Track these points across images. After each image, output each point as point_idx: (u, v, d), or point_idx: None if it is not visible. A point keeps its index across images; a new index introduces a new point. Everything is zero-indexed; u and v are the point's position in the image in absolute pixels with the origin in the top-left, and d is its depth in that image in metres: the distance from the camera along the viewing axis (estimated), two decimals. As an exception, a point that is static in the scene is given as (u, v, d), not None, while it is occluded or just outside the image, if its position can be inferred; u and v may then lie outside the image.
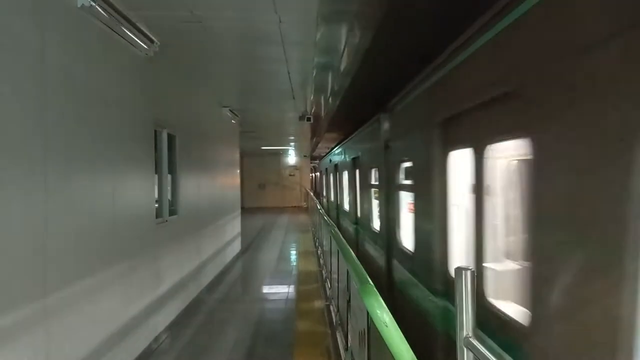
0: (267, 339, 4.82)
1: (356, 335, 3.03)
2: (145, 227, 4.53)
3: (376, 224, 6.22)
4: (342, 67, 5.35)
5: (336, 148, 8.02)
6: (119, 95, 3.92)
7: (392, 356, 1.69)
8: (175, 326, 5.18)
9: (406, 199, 4.73)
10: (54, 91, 2.88)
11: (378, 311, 2.09)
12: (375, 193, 6.41)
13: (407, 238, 4.48)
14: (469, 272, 1.48)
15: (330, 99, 7.61)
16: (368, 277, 2.66)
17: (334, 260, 5.20)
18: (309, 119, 9.02)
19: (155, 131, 4.90)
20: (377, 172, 6.06)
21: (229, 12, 3.94)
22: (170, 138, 5.49)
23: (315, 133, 13.71)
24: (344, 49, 4.77)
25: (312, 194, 20.30)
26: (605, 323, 1.51)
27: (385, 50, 4.33)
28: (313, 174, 30.70)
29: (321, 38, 4.55)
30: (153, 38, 4.13)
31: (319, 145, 16.60)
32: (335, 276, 5.14)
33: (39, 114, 2.73)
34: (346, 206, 9.64)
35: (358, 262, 3.14)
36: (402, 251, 4.53)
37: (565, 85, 1.74)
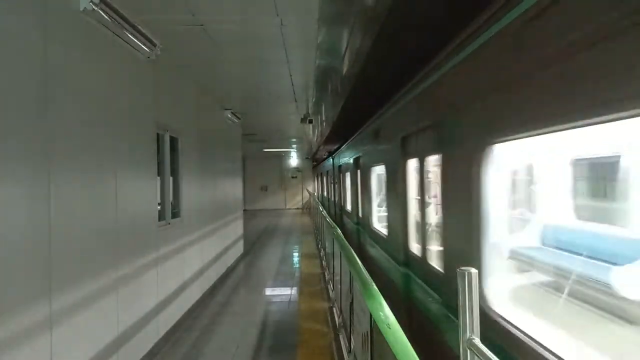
0: (270, 339, 4.81)
1: (359, 337, 3.02)
2: (147, 229, 4.54)
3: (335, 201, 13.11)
4: (344, 68, 5.36)
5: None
6: (121, 97, 3.93)
7: (395, 358, 1.68)
8: (174, 333, 5.18)
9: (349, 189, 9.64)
10: (56, 94, 2.89)
11: (381, 313, 2.08)
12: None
13: (347, 205, 10.01)
14: (471, 274, 1.45)
15: (332, 100, 7.61)
16: (371, 279, 2.65)
17: (337, 262, 5.19)
18: (310, 121, 9.02)
19: (158, 134, 4.91)
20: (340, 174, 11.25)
21: (231, 15, 3.95)
22: (173, 140, 5.50)
23: (317, 135, 13.71)
24: (345, 50, 4.77)
25: (314, 195, 20.28)
26: None
27: (387, 52, 4.33)
28: (316, 176, 30.67)
29: (322, 40, 4.56)
30: (155, 41, 4.15)
31: (321, 147, 16.59)
32: (338, 278, 5.13)
33: (41, 117, 2.74)
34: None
35: (361, 264, 3.14)
36: (346, 210, 10.22)
37: None
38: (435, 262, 3.27)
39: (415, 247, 3.97)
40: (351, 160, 8.46)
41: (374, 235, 6.11)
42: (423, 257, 3.60)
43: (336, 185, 12.34)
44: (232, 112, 8.59)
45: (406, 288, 4.03)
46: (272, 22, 4.02)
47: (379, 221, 6.35)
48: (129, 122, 4.09)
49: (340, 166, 11.05)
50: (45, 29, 2.79)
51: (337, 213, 12.18)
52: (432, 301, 3.15)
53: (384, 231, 5.48)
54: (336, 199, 12.77)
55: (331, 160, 13.47)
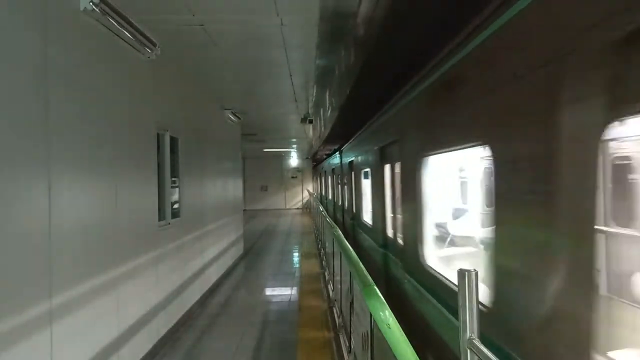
0: (270, 339, 4.81)
1: (359, 337, 3.02)
2: (148, 229, 4.53)
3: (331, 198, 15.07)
4: (344, 68, 5.36)
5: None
6: (121, 97, 3.93)
7: (395, 358, 1.68)
8: (173, 332, 5.18)
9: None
10: (57, 93, 2.89)
11: (381, 313, 2.08)
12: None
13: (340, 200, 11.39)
14: (472, 274, 1.44)
15: (332, 100, 7.61)
16: (371, 278, 2.65)
17: (337, 262, 5.19)
18: (310, 121, 9.03)
19: (158, 134, 4.91)
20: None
21: (231, 15, 3.96)
22: (173, 140, 5.50)
23: (317, 135, 13.70)
24: (345, 50, 4.77)
25: (314, 195, 20.28)
26: None
27: (387, 51, 4.34)
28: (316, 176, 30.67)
29: (322, 40, 4.56)
30: (155, 41, 4.15)
31: (321, 147, 16.58)
32: (338, 278, 5.13)
33: (41, 116, 2.73)
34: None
35: (361, 264, 3.14)
36: (335, 203, 12.62)
37: None
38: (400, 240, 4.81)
39: (390, 232, 5.49)
40: (346, 163, 10.25)
41: (363, 225, 8.01)
42: (394, 238, 5.07)
43: (332, 185, 14.51)
44: (232, 112, 8.59)
45: (384, 261, 5.67)
46: (272, 22, 4.02)
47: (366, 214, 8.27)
48: (129, 121, 4.09)
49: (333, 169, 12.96)
50: (45, 29, 2.79)
51: (332, 209, 14.45)
52: (397, 266, 4.60)
53: (370, 222, 7.29)
54: (331, 197, 15.06)
55: (329, 162, 15.30)
